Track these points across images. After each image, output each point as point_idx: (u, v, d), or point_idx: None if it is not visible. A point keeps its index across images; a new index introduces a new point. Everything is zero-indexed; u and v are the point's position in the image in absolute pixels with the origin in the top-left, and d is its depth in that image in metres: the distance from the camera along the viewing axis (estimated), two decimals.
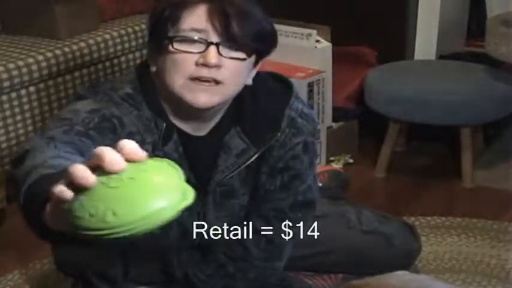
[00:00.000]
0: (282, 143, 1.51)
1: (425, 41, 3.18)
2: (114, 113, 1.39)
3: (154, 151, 1.42)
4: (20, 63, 2.75)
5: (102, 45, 3.04)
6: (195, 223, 1.53)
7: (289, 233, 1.62)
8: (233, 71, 1.38)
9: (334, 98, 3.01)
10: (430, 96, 2.71)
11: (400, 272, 1.85)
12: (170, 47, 1.35)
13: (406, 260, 2.03)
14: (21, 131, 2.73)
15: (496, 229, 2.45)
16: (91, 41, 3.01)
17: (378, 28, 3.21)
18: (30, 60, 2.78)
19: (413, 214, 2.54)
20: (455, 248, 2.34)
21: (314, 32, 2.89)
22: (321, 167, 2.82)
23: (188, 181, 1.36)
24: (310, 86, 2.82)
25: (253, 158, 1.48)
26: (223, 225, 1.56)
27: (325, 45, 2.94)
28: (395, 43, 3.20)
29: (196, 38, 1.34)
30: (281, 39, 2.97)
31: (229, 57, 1.36)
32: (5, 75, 2.68)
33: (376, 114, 2.88)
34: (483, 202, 2.67)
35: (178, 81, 1.38)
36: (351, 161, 3.02)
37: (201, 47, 1.34)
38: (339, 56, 3.00)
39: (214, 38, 1.34)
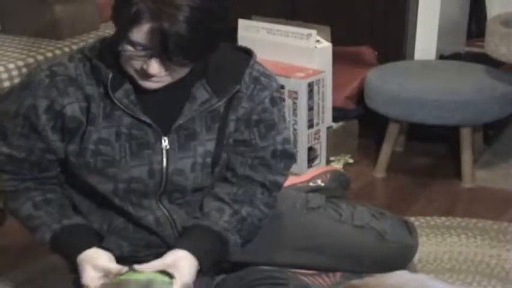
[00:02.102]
0: (250, 97, 1.67)
1: (425, 41, 3.18)
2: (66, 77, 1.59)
3: (104, 96, 1.58)
4: (20, 63, 2.75)
5: None
6: (157, 160, 1.62)
7: (276, 180, 1.73)
8: (178, 71, 1.54)
9: (334, 98, 3.01)
10: (430, 96, 2.71)
11: (399, 272, 1.85)
12: (120, 48, 1.50)
13: (402, 257, 2.02)
14: None
15: (496, 229, 2.45)
16: (91, 41, 3.01)
17: (378, 28, 3.21)
18: (30, 60, 2.78)
19: (413, 214, 2.54)
20: (455, 248, 2.34)
21: (314, 32, 2.89)
22: (321, 167, 2.83)
23: (144, 122, 1.52)
24: (310, 86, 2.82)
25: (215, 105, 1.62)
26: (186, 167, 1.64)
27: (325, 45, 2.94)
28: (395, 43, 3.20)
29: (140, 54, 1.48)
30: (281, 39, 3.01)
31: (172, 66, 1.51)
32: (5, 75, 2.68)
33: (376, 114, 2.88)
34: (483, 202, 2.67)
35: (128, 69, 1.54)
36: (351, 161, 3.02)
37: (145, 57, 1.49)
38: (339, 56, 3.00)
39: (155, 53, 1.47)
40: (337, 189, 2.39)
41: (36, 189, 1.67)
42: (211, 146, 1.66)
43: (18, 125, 1.61)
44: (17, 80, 2.71)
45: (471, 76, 2.86)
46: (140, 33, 1.44)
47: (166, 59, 1.47)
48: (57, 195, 1.69)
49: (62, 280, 2.18)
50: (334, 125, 3.05)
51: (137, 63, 1.50)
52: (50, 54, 2.85)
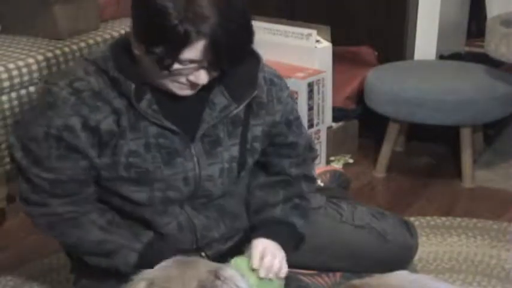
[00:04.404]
0: (278, 100, 1.72)
1: (425, 41, 3.18)
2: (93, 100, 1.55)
3: (128, 108, 1.56)
4: (20, 63, 2.75)
5: (102, 45, 3.04)
6: (190, 167, 1.63)
7: (312, 171, 1.87)
8: (214, 75, 1.54)
9: (334, 98, 3.01)
10: (430, 96, 2.71)
11: (400, 272, 1.85)
12: (170, 70, 1.47)
13: (402, 257, 2.03)
14: None
15: (496, 229, 2.45)
16: (91, 41, 3.01)
17: (378, 28, 3.21)
18: (30, 60, 2.78)
19: (413, 214, 2.54)
20: (455, 248, 2.34)
21: (314, 32, 2.89)
22: (321, 167, 2.83)
23: (170, 130, 1.52)
24: (310, 86, 2.82)
25: (235, 111, 1.63)
26: (215, 173, 1.66)
27: (325, 45, 2.94)
28: (396, 43, 3.20)
29: (190, 67, 1.47)
30: (281, 39, 3.01)
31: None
32: (5, 75, 2.68)
33: (376, 114, 2.88)
34: (483, 202, 2.67)
35: (164, 82, 1.52)
36: (351, 161, 3.02)
37: (193, 69, 1.48)
38: (339, 56, 3.00)
39: (206, 64, 1.47)
40: (337, 189, 2.40)
41: (94, 211, 1.64)
42: (235, 151, 1.67)
43: (52, 147, 1.55)
44: (17, 80, 2.71)
45: (471, 76, 2.86)
46: (193, 51, 1.43)
47: (215, 69, 1.48)
48: (112, 213, 1.67)
49: (61, 280, 2.19)
50: (334, 125, 3.05)
51: (182, 77, 1.50)
52: (50, 54, 2.85)
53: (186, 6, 1.40)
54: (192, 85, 1.52)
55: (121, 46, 1.59)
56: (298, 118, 1.81)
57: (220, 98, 1.62)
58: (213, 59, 1.45)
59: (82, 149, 1.55)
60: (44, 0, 2.99)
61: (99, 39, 3.05)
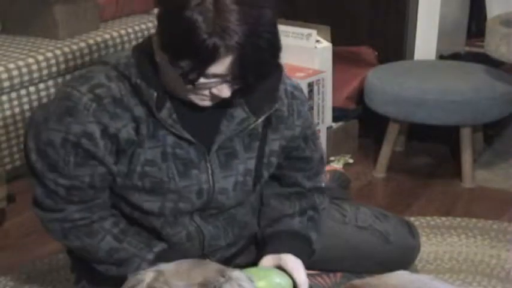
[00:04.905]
0: (298, 114, 1.70)
1: (425, 41, 3.18)
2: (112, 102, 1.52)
3: (148, 116, 1.53)
4: (20, 63, 2.75)
5: (102, 45, 3.04)
6: (204, 179, 1.61)
7: (322, 183, 1.88)
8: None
9: (334, 98, 3.01)
10: (430, 96, 2.71)
11: (400, 272, 1.85)
12: (189, 83, 1.44)
13: (405, 258, 2.03)
14: (21, 131, 2.74)
15: (496, 229, 2.45)
16: (91, 41, 3.02)
17: (378, 28, 3.21)
18: (30, 60, 2.78)
19: (413, 214, 2.54)
20: (455, 248, 2.34)
21: (314, 32, 2.89)
22: None
23: (187, 140, 1.51)
24: (310, 86, 2.82)
25: (252, 125, 1.61)
26: (229, 186, 1.64)
27: (325, 45, 2.94)
28: (395, 43, 3.20)
29: (215, 81, 1.44)
30: (281, 39, 3.00)
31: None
32: (5, 75, 2.68)
33: (376, 114, 2.88)
34: (483, 202, 2.67)
35: (186, 94, 1.50)
36: (351, 161, 3.02)
37: (216, 83, 1.45)
38: (339, 56, 3.00)
39: (230, 78, 1.44)
40: (337, 189, 2.40)
41: (108, 218, 1.63)
42: (251, 164, 1.66)
43: (70, 153, 1.52)
44: (17, 80, 2.71)
45: (471, 76, 2.86)
46: (219, 66, 1.39)
47: (239, 83, 1.45)
48: (124, 221, 1.66)
49: (62, 280, 2.19)
50: (334, 125, 3.05)
51: (205, 90, 1.47)
52: (50, 54, 2.85)
53: (215, 20, 1.35)
54: (214, 97, 1.49)
55: (144, 51, 1.55)
56: (315, 133, 1.81)
57: (239, 111, 1.59)
58: (238, 74, 1.42)
59: (100, 157, 1.53)
60: (44, 0, 2.99)
61: (99, 39, 3.05)
